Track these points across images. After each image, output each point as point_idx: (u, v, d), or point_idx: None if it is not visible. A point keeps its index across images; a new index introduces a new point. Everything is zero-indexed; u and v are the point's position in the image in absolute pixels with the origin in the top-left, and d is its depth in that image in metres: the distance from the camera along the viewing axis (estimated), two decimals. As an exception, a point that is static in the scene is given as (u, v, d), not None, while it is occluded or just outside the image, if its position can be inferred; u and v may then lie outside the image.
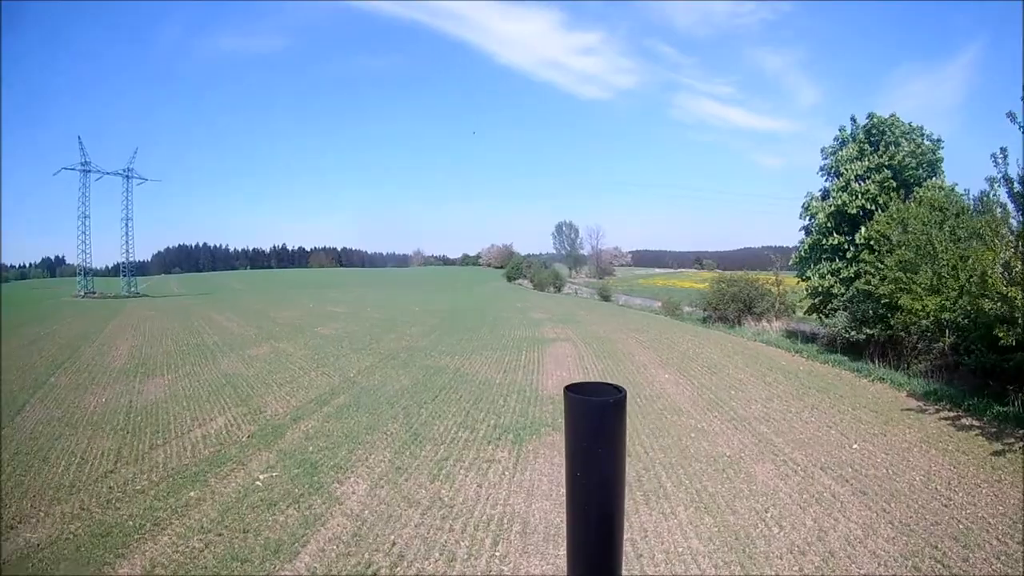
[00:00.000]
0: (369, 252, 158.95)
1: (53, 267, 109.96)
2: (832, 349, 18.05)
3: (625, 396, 0.84)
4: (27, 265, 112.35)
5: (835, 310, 18.51)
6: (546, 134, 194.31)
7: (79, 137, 58.19)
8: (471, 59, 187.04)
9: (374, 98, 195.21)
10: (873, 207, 18.47)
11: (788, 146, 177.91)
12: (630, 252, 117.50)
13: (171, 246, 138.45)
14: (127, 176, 55.90)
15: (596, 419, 0.82)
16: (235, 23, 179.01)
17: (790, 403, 11.92)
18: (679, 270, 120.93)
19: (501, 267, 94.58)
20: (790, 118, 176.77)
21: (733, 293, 25.50)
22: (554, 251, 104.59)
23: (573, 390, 0.85)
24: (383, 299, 44.94)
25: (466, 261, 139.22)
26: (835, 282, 18.89)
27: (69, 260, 77.56)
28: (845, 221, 19.11)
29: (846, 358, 16.48)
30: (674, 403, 11.92)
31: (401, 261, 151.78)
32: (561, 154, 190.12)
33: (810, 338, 20.30)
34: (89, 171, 53.14)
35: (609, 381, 0.93)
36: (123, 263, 57.83)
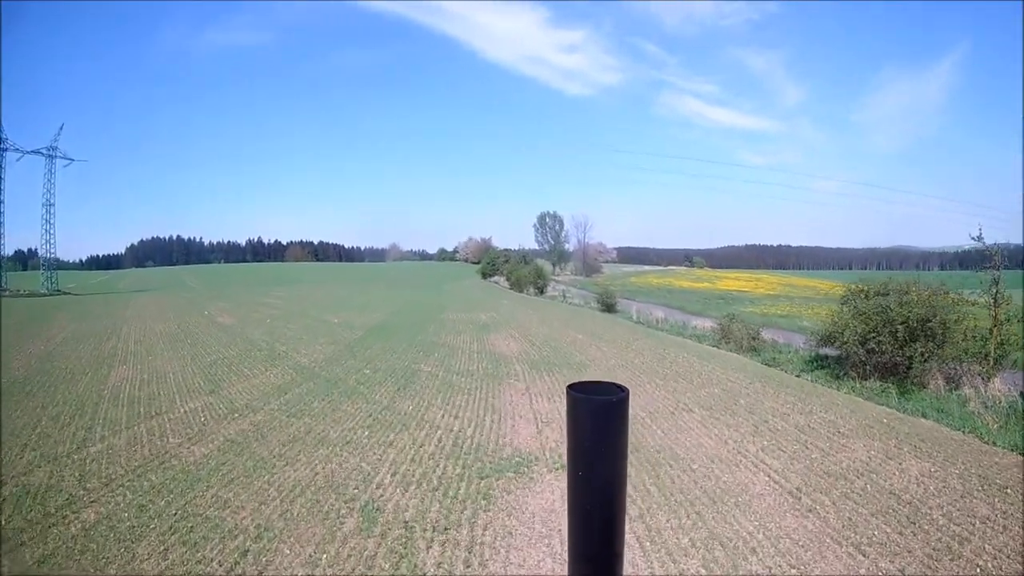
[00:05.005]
0: (347, 246, 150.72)
1: (25, 260, 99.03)
2: None
3: (627, 395, 0.82)
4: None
5: None
6: (530, 130, 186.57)
7: (-3, 114, 50.88)
8: (456, 55, 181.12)
9: (359, 93, 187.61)
10: None
11: (773, 145, 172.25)
12: (615, 248, 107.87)
13: (145, 238, 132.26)
14: (50, 156, 47.72)
15: (598, 418, 0.80)
16: (218, 17, 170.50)
17: None
18: (669, 267, 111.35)
19: (478, 262, 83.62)
20: (775, 118, 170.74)
21: (918, 320, 11.81)
22: (536, 245, 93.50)
23: (575, 389, 0.82)
24: (313, 303, 34.27)
25: (443, 256, 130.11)
26: None
27: (39, 252, 70.18)
28: None
29: None
30: None
31: (378, 255, 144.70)
32: (545, 150, 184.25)
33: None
34: (5, 150, 45.45)
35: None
36: (43, 257, 49.49)
